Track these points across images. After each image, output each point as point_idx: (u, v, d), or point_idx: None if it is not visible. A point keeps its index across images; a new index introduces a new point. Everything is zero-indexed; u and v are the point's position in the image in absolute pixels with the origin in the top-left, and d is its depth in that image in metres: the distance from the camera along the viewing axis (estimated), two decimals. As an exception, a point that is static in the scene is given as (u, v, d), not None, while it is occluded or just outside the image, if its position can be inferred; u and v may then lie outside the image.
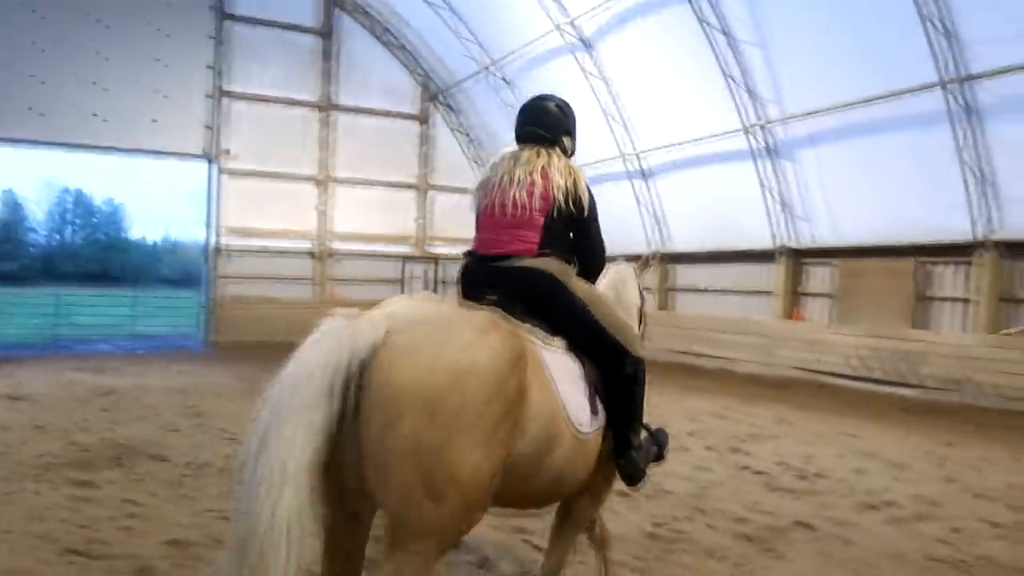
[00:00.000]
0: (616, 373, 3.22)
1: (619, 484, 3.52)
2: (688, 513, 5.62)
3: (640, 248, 18.24)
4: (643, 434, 3.44)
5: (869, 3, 11.60)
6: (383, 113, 22.29)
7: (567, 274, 3.25)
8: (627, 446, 3.25)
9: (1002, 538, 5.26)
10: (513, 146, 3.48)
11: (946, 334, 11.95)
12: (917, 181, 12.05)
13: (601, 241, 3.48)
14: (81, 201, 67.33)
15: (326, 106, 21.39)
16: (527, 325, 3.00)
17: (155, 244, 72.69)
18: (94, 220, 68.43)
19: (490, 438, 2.45)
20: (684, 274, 17.68)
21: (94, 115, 18.36)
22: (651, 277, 18.15)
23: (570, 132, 3.56)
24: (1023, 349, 10.68)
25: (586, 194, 3.32)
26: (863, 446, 8.41)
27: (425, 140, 22.95)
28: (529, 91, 19.76)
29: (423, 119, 22.89)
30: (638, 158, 17.42)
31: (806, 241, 14.45)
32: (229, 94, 20.10)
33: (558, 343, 3.11)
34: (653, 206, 17.74)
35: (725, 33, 13.82)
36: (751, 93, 14.09)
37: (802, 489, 6.46)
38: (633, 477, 3.31)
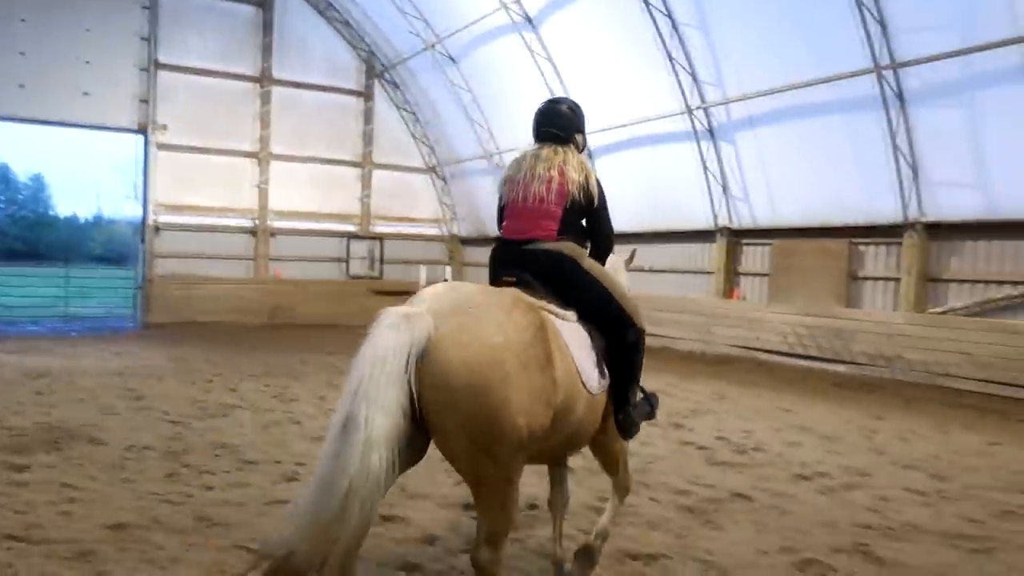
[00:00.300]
0: (620, 340, 3.72)
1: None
2: (632, 487, 5.76)
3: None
4: (639, 395, 3.94)
5: (807, -11, 11.89)
6: (325, 88, 21.86)
7: (581, 256, 3.80)
8: (625, 403, 3.77)
9: (926, 506, 5.55)
10: (532, 144, 3.98)
11: (876, 312, 12.42)
12: (851, 164, 12.43)
13: (610, 227, 4.01)
14: (4, 176, 64.27)
15: (265, 80, 20.87)
16: (543, 301, 3.44)
17: (85, 221, 69.99)
18: (19, 196, 65.45)
19: (532, 402, 2.95)
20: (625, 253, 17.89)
21: (20, 86, 17.57)
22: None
23: (581, 130, 4.09)
24: (948, 327, 11.18)
25: (596, 187, 3.85)
26: (798, 420, 8.73)
27: (368, 117, 22.61)
28: (475, 69, 19.73)
29: (366, 96, 22.54)
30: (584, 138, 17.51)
31: (745, 222, 14.79)
32: (163, 66, 19.43)
33: (571, 315, 3.56)
34: (597, 186, 17.90)
35: (668, 15, 13.96)
36: (693, 75, 14.29)
37: (741, 462, 6.69)
38: (629, 431, 3.86)
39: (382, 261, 22.92)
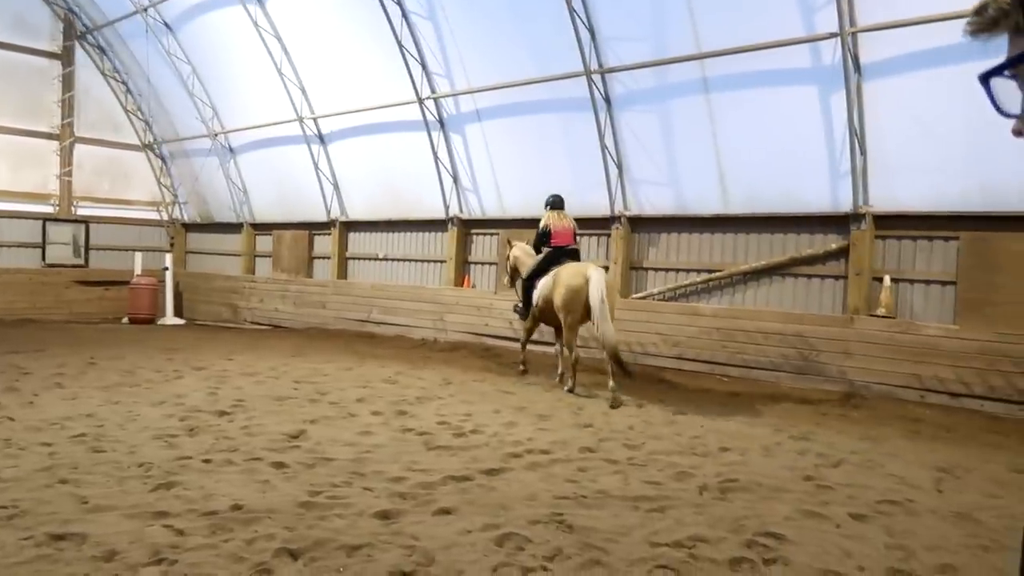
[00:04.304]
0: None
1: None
2: (346, 478, 5.67)
3: (320, 215, 17.89)
4: None
5: (529, -8, 12.52)
6: (12, 47, 19.01)
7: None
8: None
9: (617, 473, 6.10)
10: (550, 209, 10.59)
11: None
12: (567, 160, 13.33)
13: None
14: None
15: (-69, 32, 17.65)
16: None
17: None
18: None
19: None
20: (361, 242, 17.71)
21: None
22: (331, 245, 17.93)
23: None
24: (647, 310, 12.44)
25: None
26: (516, 401, 9.19)
27: (68, 84, 20.04)
28: (195, 39, 18.27)
29: (66, 60, 19.95)
30: (316, 122, 17.00)
31: (475, 211, 15.29)
32: None
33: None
34: (332, 173, 17.48)
35: (397, 3, 13.95)
36: (423, 65, 14.44)
37: (458, 445, 6.87)
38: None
39: (87, 247, 20.50)
